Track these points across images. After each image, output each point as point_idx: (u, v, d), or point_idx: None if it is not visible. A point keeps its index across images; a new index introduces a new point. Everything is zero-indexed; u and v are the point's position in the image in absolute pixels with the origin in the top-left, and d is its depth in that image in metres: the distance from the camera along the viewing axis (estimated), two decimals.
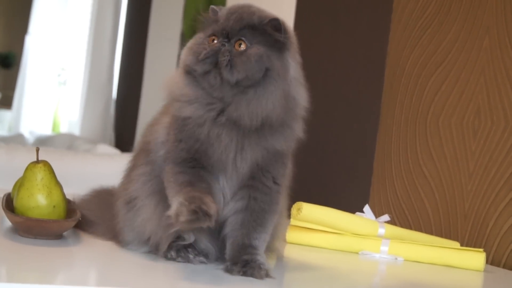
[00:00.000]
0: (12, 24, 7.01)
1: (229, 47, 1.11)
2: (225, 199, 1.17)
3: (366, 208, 1.61)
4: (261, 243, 1.17)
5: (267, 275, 1.13)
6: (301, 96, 1.17)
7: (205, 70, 1.11)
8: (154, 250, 1.20)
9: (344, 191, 2.12)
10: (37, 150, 1.28)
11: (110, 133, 4.68)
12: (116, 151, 3.36)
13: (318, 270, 1.37)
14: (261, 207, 1.17)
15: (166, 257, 1.17)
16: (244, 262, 1.13)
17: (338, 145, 2.16)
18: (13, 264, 1.08)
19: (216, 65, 1.11)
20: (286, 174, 1.21)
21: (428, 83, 1.86)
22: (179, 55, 1.19)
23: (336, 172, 2.16)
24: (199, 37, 1.16)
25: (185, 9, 3.78)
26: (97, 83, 4.75)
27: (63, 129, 5.59)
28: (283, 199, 1.24)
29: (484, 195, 1.67)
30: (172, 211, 1.06)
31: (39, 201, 1.21)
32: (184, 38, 3.72)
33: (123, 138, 4.57)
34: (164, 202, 1.16)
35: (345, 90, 2.17)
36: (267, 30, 1.12)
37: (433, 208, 1.80)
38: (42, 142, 4.38)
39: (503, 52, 1.67)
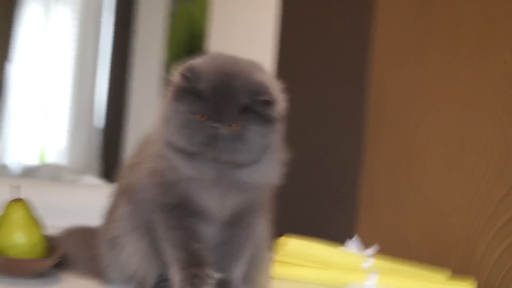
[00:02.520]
0: None
1: (225, 132, 1.06)
2: (211, 237, 1.16)
3: (354, 239, 1.59)
4: (238, 275, 1.17)
5: None
6: (283, 155, 1.17)
7: (200, 151, 1.08)
8: (140, 285, 1.18)
9: (330, 223, 2.10)
10: (17, 188, 1.26)
11: (96, 163, 4.65)
12: (101, 183, 3.34)
13: None
14: (239, 241, 1.17)
15: None
16: None
17: (323, 174, 2.15)
18: None
19: (211, 143, 1.07)
20: (266, 209, 1.21)
21: (412, 114, 1.85)
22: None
23: (321, 202, 2.14)
24: (180, 110, 1.08)
25: (168, 39, 3.78)
26: (81, 112, 4.73)
27: (51, 158, 5.56)
28: (266, 233, 1.23)
29: (471, 227, 1.66)
30: (175, 280, 1.10)
31: (17, 240, 1.19)
32: (167, 66, 3.72)
33: (109, 168, 4.55)
34: (146, 237, 1.15)
35: (329, 118, 2.16)
36: (261, 110, 1.08)
37: (422, 238, 1.78)
38: (28, 172, 4.35)
39: (483, 83, 1.66)
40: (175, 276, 1.11)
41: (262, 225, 1.22)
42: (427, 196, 1.78)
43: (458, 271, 1.68)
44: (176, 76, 1.10)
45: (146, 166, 1.15)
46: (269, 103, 1.08)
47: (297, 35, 2.36)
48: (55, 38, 5.58)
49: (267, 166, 1.12)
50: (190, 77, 1.08)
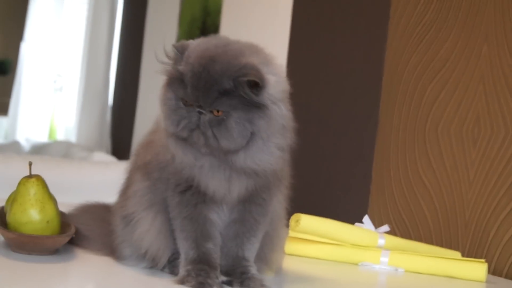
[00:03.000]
0: (7, 31, 6.99)
1: (207, 117, 1.05)
2: (223, 221, 1.17)
3: (366, 218, 1.59)
4: (252, 253, 1.18)
5: (262, 285, 1.14)
6: (289, 124, 1.13)
7: (188, 135, 1.08)
8: (152, 264, 1.18)
9: (342, 200, 2.10)
10: (30, 165, 1.25)
11: (107, 140, 4.65)
12: (112, 159, 3.34)
13: (317, 282, 1.35)
14: (254, 218, 1.17)
15: (174, 273, 1.16)
16: (239, 274, 1.14)
17: (336, 154, 2.14)
18: (6, 280, 1.06)
19: (197, 128, 1.07)
20: (282, 186, 1.20)
21: (426, 91, 1.84)
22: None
23: (334, 182, 2.14)
24: (169, 97, 1.08)
25: (181, 15, 3.76)
26: (92, 90, 4.73)
27: (60, 135, 5.57)
28: (281, 210, 1.23)
29: (484, 204, 1.65)
30: (179, 276, 1.11)
31: (32, 216, 1.19)
32: None
33: (119, 145, 4.55)
34: (162, 214, 1.16)
35: (343, 98, 2.15)
36: (245, 94, 1.04)
37: (433, 217, 1.78)
38: (38, 149, 4.36)
39: (502, 59, 1.65)
40: (182, 270, 1.13)
41: (278, 202, 1.21)
42: (442, 174, 1.77)
43: (468, 251, 1.68)
44: (168, 51, 1.10)
45: (160, 144, 1.15)
46: (253, 85, 1.05)
47: (312, 15, 2.34)
48: (68, 16, 5.57)
49: (259, 152, 1.09)
50: (174, 57, 1.08)
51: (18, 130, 5.61)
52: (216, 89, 1.04)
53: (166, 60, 1.10)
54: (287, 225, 1.39)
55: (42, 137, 5.42)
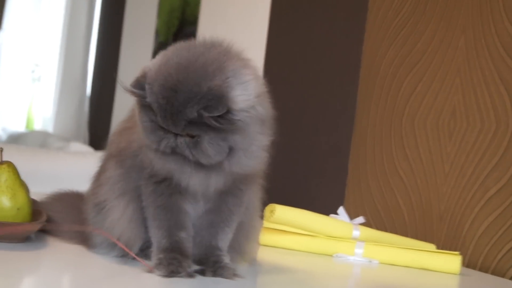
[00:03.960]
0: None
1: (182, 139, 1.06)
2: (197, 211, 1.17)
3: (341, 210, 1.59)
4: (226, 243, 1.18)
5: (235, 274, 1.14)
6: (267, 115, 1.11)
7: (172, 151, 1.08)
8: (123, 252, 1.17)
9: (318, 192, 2.10)
10: (1, 151, 1.24)
11: (84, 131, 4.63)
12: (89, 149, 3.32)
13: (291, 273, 1.34)
14: (229, 208, 1.17)
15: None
16: (212, 263, 1.14)
17: (313, 146, 2.14)
18: None
19: (175, 148, 1.07)
20: (258, 177, 1.20)
21: (403, 84, 1.84)
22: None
23: (310, 174, 2.14)
24: (144, 119, 1.08)
25: (160, 5, 3.74)
26: (71, 80, 4.70)
27: (37, 126, 5.53)
28: (256, 201, 1.23)
29: (459, 197, 1.66)
30: (151, 264, 1.11)
31: (2, 203, 1.18)
32: (158, 34, 3.68)
33: (97, 136, 4.52)
34: (134, 203, 1.15)
35: (320, 90, 2.15)
36: (210, 123, 1.03)
37: (409, 209, 1.78)
38: (15, 139, 4.32)
39: (479, 52, 1.65)
40: (153, 258, 1.12)
41: (253, 192, 1.21)
42: (416, 167, 1.77)
43: (443, 244, 1.69)
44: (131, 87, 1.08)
45: (136, 133, 1.14)
46: (217, 116, 1.03)
47: (291, 6, 2.34)
48: (46, 5, 5.52)
49: (244, 158, 1.09)
50: (138, 90, 1.06)
51: None
52: (183, 118, 1.04)
53: (134, 93, 1.08)
54: (262, 216, 1.38)
55: (19, 127, 5.38)
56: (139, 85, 1.06)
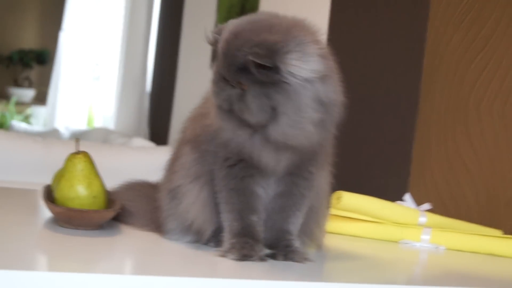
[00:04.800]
0: (46, 21, 7.07)
1: (235, 91, 1.08)
2: (268, 195, 1.18)
3: (407, 196, 1.59)
4: (296, 227, 1.19)
5: (306, 258, 1.15)
6: (333, 100, 1.12)
7: (229, 108, 1.10)
8: (197, 237, 1.19)
9: (382, 180, 2.10)
10: (77, 141, 1.28)
11: (145, 127, 4.70)
12: (151, 144, 3.37)
13: (358, 259, 1.35)
14: (300, 192, 1.18)
15: (218, 247, 1.17)
16: (283, 247, 1.15)
17: (377, 134, 2.14)
18: (54, 253, 1.08)
19: (229, 101, 1.10)
20: (328, 162, 1.21)
21: (468, 70, 1.83)
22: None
23: (375, 161, 2.14)
24: (214, 70, 1.12)
25: (219, 1, 3.77)
26: (131, 78, 4.77)
27: (98, 124, 5.63)
28: (326, 186, 1.24)
29: None
30: (223, 249, 1.13)
31: (79, 191, 1.21)
32: None
33: (157, 132, 4.59)
34: (208, 186, 1.17)
35: (384, 77, 2.14)
36: (256, 72, 1.06)
37: (474, 196, 1.77)
38: (77, 136, 4.40)
39: None
40: (226, 243, 1.14)
41: (323, 177, 1.22)
42: (483, 152, 1.76)
43: (510, 231, 1.67)
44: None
45: (211, 117, 1.17)
46: (260, 66, 1.05)
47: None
48: (106, 4, 5.62)
49: (289, 127, 1.08)
50: (214, 37, 1.12)
51: (57, 119, 5.68)
52: (235, 63, 1.07)
53: (213, 37, 1.13)
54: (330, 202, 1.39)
55: (80, 126, 5.49)
56: (215, 32, 1.12)
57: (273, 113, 1.07)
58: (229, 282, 1.02)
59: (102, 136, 4.12)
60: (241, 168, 1.14)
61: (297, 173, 1.16)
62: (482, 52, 1.79)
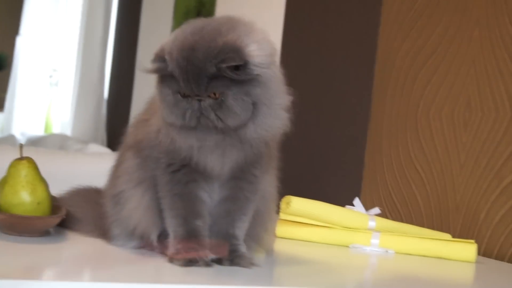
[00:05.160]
0: (3, 25, 6.98)
1: (207, 102, 1.08)
2: (213, 200, 1.18)
3: (356, 201, 1.60)
4: (242, 232, 1.18)
5: (252, 263, 1.15)
6: (285, 99, 1.14)
7: (197, 123, 1.09)
8: (141, 242, 1.19)
9: (335, 185, 2.11)
10: (21, 147, 1.26)
11: (102, 133, 4.66)
12: (107, 150, 3.34)
13: (308, 264, 1.35)
14: (245, 195, 1.18)
15: (163, 253, 1.16)
16: (229, 253, 1.15)
17: (329, 138, 2.15)
18: None
19: (201, 115, 1.09)
20: (272, 166, 1.21)
21: (418, 76, 1.85)
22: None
23: (326, 166, 2.14)
24: (166, 93, 1.10)
25: (176, 8, 3.76)
26: (88, 84, 4.73)
27: (56, 130, 5.57)
28: (272, 190, 1.24)
29: (475, 187, 1.66)
30: (170, 253, 1.13)
31: (23, 198, 1.20)
32: None
33: (115, 138, 4.55)
34: (150, 191, 1.16)
35: (336, 83, 2.16)
36: (231, 75, 1.06)
37: (425, 200, 1.79)
38: (33, 142, 4.35)
39: (493, 43, 1.66)
40: (171, 248, 1.13)
41: (267, 181, 1.22)
42: (433, 157, 1.78)
43: (459, 234, 1.69)
44: (151, 63, 1.11)
45: (154, 125, 1.16)
46: (235, 67, 1.06)
47: (306, 5, 2.35)
48: (63, 9, 5.57)
49: (267, 118, 1.11)
50: (159, 63, 1.09)
51: (14, 125, 5.61)
52: (205, 75, 1.06)
53: (156, 67, 1.11)
54: (279, 207, 1.40)
55: (38, 132, 5.43)
56: (159, 58, 1.09)
57: (254, 108, 1.09)
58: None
59: (59, 142, 4.07)
60: (184, 174, 1.14)
61: (242, 177, 1.16)
62: (431, 58, 1.81)
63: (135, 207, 1.17)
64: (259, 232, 1.24)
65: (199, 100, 1.08)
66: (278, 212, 1.49)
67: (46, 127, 5.65)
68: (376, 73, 1.99)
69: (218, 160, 1.13)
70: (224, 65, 1.05)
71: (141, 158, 1.17)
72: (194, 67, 1.06)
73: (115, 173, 1.22)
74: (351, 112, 2.08)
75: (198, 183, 1.15)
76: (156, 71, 1.10)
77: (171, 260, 1.12)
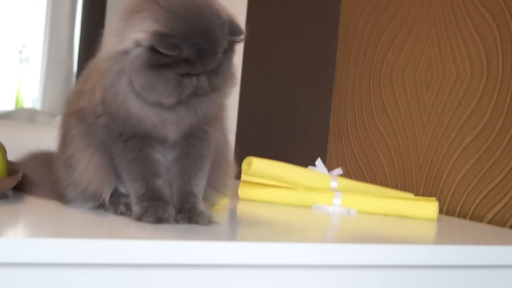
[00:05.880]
0: None
1: (205, 78, 1.09)
2: (168, 160, 1.18)
3: (318, 161, 1.60)
4: (200, 189, 1.19)
5: (211, 221, 1.15)
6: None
7: (188, 98, 1.10)
8: (96, 201, 1.18)
9: (301, 149, 2.11)
10: None
11: None
12: None
13: (271, 225, 1.36)
14: (198, 152, 1.18)
15: (117, 213, 1.16)
16: (188, 211, 1.15)
17: (295, 104, 2.15)
18: None
19: (197, 89, 1.10)
20: (222, 117, 1.22)
21: (380, 39, 1.85)
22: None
23: (293, 131, 2.15)
24: (166, 77, 1.06)
25: None
26: (57, 58, 4.69)
27: (27, 105, 5.52)
28: (225, 138, 1.25)
29: (437, 147, 1.67)
30: (136, 213, 1.12)
31: None
32: None
33: None
34: (99, 152, 1.16)
35: (301, 48, 2.15)
36: (235, 46, 1.13)
37: (388, 162, 1.80)
38: (2, 117, 4.32)
39: (453, 3, 1.66)
40: (137, 207, 1.13)
41: (219, 132, 1.24)
42: (396, 118, 1.79)
43: (423, 193, 1.70)
44: (144, 49, 1.06)
45: (97, 95, 1.14)
46: (238, 31, 1.11)
47: None
48: None
49: (232, 86, 1.17)
50: (174, 51, 1.05)
51: None
52: (221, 52, 1.09)
53: (174, 59, 1.07)
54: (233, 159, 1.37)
55: (9, 107, 5.38)
56: (172, 47, 1.04)
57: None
58: (143, 243, 0.99)
59: (28, 116, 4.05)
60: (137, 141, 1.14)
61: (193, 134, 1.17)
62: (393, 20, 1.81)
63: (85, 168, 1.16)
64: (219, 179, 1.25)
65: (197, 75, 1.08)
66: (235, 161, 1.46)
67: (17, 102, 5.60)
68: (339, 37, 1.99)
69: (173, 129, 1.13)
70: (236, 39, 1.10)
71: (86, 125, 1.16)
72: (213, 46, 1.07)
73: (63, 140, 1.21)
74: (316, 77, 2.08)
75: (152, 146, 1.15)
76: (173, 60, 1.06)
77: (139, 218, 1.11)
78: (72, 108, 1.20)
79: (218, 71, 1.09)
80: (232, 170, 1.29)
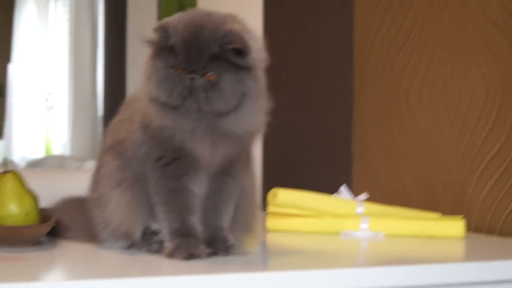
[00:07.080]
0: None
1: (200, 82, 1.10)
2: (203, 194, 1.21)
3: (343, 187, 1.62)
4: (227, 223, 1.22)
5: (245, 252, 1.20)
6: (266, 103, 1.20)
7: (180, 103, 1.12)
8: (127, 240, 1.21)
9: (325, 177, 2.13)
10: (5, 161, 1.29)
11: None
12: None
13: (301, 254, 1.37)
14: (228, 190, 1.21)
15: (150, 251, 1.19)
16: (221, 243, 1.18)
17: (316, 133, 2.17)
18: None
19: (190, 94, 1.11)
20: (249, 161, 1.26)
21: (396, 61, 1.87)
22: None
23: (316, 160, 2.16)
24: (159, 66, 1.12)
25: (159, 18, 3.79)
26: (82, 103, 4.77)
27: (56, 151, 5.61)
28: (252, 181, 1.27)
29: (460, 165, 1.68)
30: (169, 250, 1.15)
31: (11, 209, 1.23)
32: None
33: None
34: (130, 190, 1.19)
35: (318, 77, 2.18)
36: (232, 58, 1.11)
37: (413, 184, 1.81)
38: (33, 165, 4.39)
39: (464, 23, 1.68)
40: (169, 244, 1.16)
41: (247, 176, 1.26)
42: (417, 140, 1.80)
43: (450, 213, 1.70)
44: (152, 34, 1.14)
45: (136, 121, 1.18)
46: (239, 51, 1.10)
47: (283, 5, 2.37)
48: (52, 33, 5.61)
49: (249, 112, 1.15)
50: (162, 33, 1.12)
51: (15, 151, 5.65)
52: (207, 53, 1.10)
53: (157, 36, 1.13)
54: (262, 202, 1.41)
55: (39, 155, 5.47)
56: (162, 29, 1.12)
57: (242, 98, 1.12)
58: (179, 280, 1.03)
59: (58, 162, 4.11)
60: (176, 167, 1.16)
61: (227, 171, 1.20)
62: (407, 42, 1.84)
63: (116, 207, 1.19)
64: (248, 221, 1.27)
65: (192, 79, 1.10)
66: (262, 207, 1.51)
67: (47, 150, 5.69)
68: (355, 64, 2.02)
69: (208, 148, 1.15)
70: (228, 47, 1.09)
71: (122, 159, 1.20)
72: (198, 43, 1.10)
73: (96, 178, 1.25)
74: (335, 104, 2.10)
75: (189, 176, 1.17)
76: (156, 41, 1.13)
77: (171, 254, 1.14)
78: (109, 142, 1.24)
79: (214, 86, 1.10)
80: (258, 212, 1.32)
